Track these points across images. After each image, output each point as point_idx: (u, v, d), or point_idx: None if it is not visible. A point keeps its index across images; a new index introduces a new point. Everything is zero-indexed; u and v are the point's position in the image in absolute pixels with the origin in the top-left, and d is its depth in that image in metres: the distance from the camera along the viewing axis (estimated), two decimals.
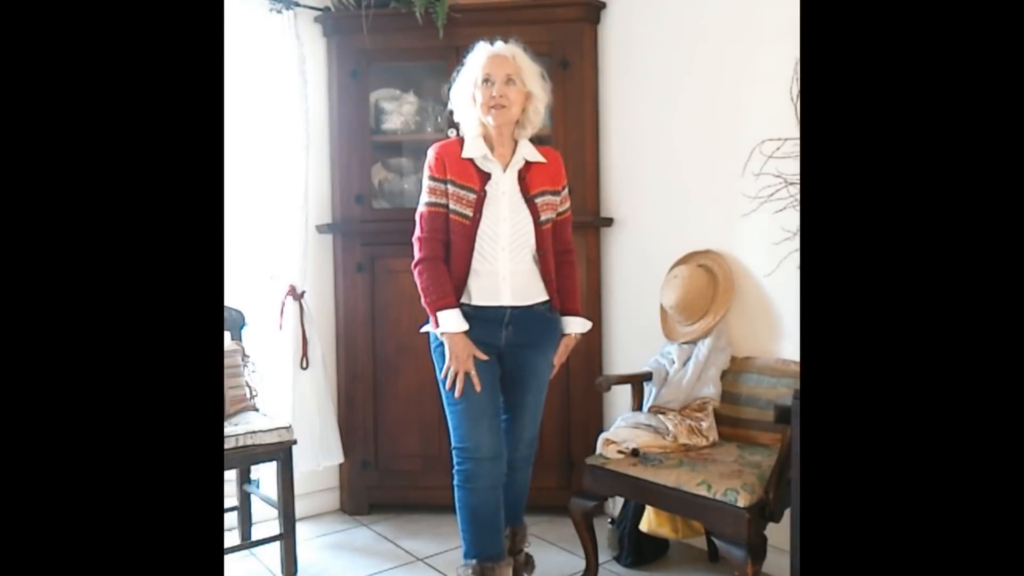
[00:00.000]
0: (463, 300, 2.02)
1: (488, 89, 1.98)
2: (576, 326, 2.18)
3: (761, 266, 2.43)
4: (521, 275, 2.03)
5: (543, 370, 2.14)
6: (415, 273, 2.03)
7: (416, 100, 3.01)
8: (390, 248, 2.91)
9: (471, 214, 2.00)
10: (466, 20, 2.79)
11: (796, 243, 2.23)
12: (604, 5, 2.89)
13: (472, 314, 2.01)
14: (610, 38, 2.90)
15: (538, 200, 2.04)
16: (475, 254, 2.01)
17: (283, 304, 2.78)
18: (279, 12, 2.73)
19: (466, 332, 1.99)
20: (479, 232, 2.00)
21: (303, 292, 2.80)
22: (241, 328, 2.68)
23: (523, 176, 2.04)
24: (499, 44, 2.04)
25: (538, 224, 2.03)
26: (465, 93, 2.04)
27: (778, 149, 2.34)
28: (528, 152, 2.07)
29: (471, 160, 2.03)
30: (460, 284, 2.02)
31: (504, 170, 2.03)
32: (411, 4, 2.75)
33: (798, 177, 2.12)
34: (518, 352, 2.08)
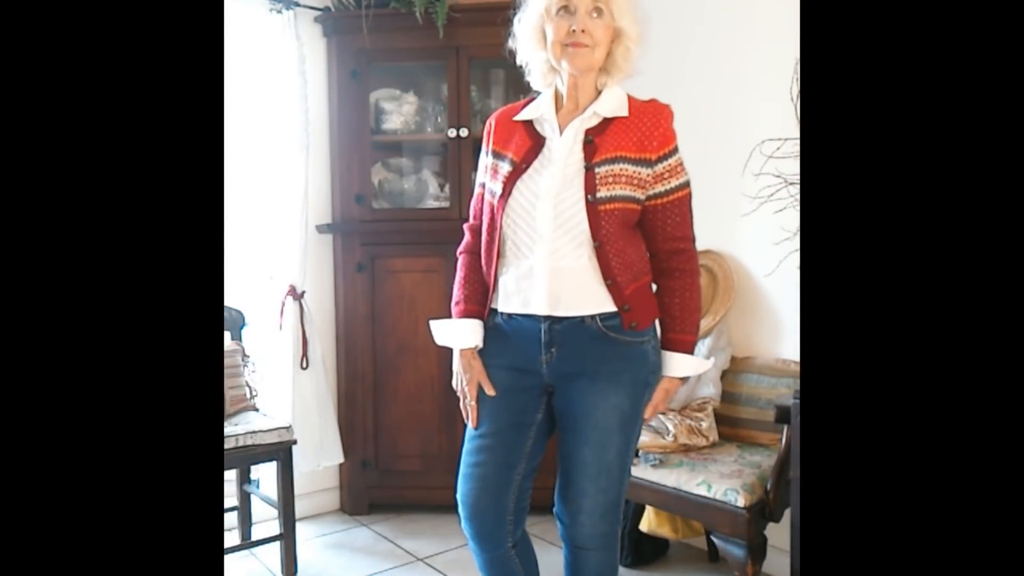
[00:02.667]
0: (493, 305, 1.55)
1: (565, 20, 1.42)
2: (680, 366, 1.52)
3: (761, 266, 2.43)
4: (567, 274, 1.45)
5: (605, 416, 1.47)
6: None
7: (416, 100, 3.01)
8: (390, 248, 2.92)
9: (499, 189, 1.50)
10: (466, 20, 2.79)
11: (796, 243, 2.23)
12: None
13: (506, 327, 1.52)
14: None
15: (600, 169, 1.44)
16: (509, 243, 1.49)
17: (283, 304, 2.78)
18: (279, 12, 2.73)
19: (495, 352, 1.54)
20: (508, 213, 1.48)
21: (303, 292, 2.80)
22: (241, 328, 2.68)
23: (591, 139, 1.47)
24: None
25: (590, 202, 1.43)
26: (532, 27, 1.48)
27: (778, 149, 2.34)
28: (608, 106, 1.48)
29: (527, 123, 1.53)
30: (491, 283, 1.54)
31: (561, 132, 1.49)
32: (411, 4, 2.75)
33: (798, 177, 2.12)
34: (568, 387, 1.50)
